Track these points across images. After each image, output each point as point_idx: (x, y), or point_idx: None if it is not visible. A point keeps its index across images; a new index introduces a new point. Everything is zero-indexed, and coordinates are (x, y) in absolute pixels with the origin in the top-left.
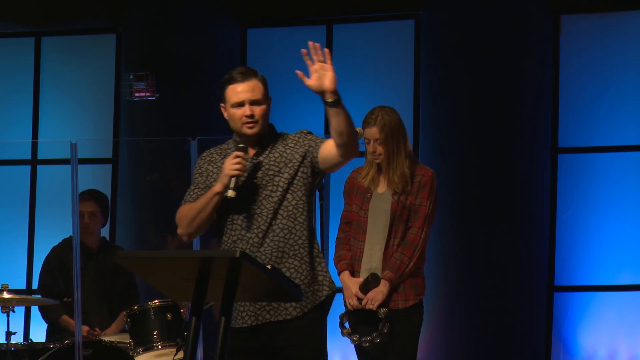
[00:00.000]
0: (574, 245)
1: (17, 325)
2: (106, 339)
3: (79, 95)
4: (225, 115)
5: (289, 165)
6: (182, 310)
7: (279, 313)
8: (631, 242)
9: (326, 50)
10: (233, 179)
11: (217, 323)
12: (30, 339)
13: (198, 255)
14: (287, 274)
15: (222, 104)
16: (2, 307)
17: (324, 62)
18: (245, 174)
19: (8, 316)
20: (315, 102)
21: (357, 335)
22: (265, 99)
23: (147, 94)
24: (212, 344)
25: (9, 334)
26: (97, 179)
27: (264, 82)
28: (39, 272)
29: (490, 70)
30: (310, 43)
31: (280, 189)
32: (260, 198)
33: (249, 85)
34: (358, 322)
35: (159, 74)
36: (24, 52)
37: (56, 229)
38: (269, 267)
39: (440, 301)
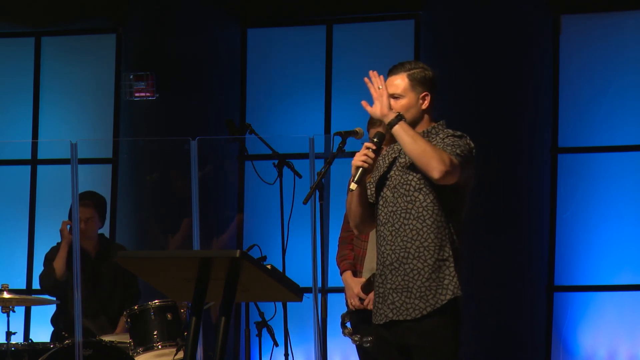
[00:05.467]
0: (574, 245)
1: (17, 325)
2: (106, 339)
3: (79, 95)
4: None
5: None
6: (182, 310)
7: (401, 313)
8: (631, 242)
9: (380, 77)
10: (359, 170)
11: (218, 323)
12: (30, 339)
13: (198, 255)
14: (410, 275)
15: None
16: (2, 307)
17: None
18: (382, 169)
19: (8, 316)
20: (315, 102)
21: (359, 336)
22: (407, 93)
23: (147, 94)
24: (212, 344)
25: (9, 334)
26: (97, 179)
27: (415, 77)
28: (39, 271)
29: (490, 70)
30: (371, 72)
31: (412, 188)
32: (396, 195)
33: (393, 80)
34: (359, 322)
35: (159, 74)
36: (24, 52)
37: (56, 229)
38: (269, 267)
39: None
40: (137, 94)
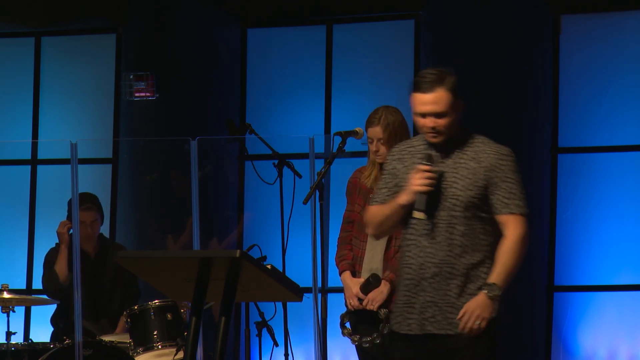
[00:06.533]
0: (574, 245)
1: (17, 325)
2: (106, 339)
3: (79, 95)
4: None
5: (473, 181)
6: (182, 310)
7: (441, 327)
8: (631, 242)
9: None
10: (423, 197)
11: (218, 323)
12: (30, 339)
13: (198, 255)
14: (454, 291)
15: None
16: (2, 307)
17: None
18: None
19: (8, 316)
20: (315, 102)
21: (358, 336)
22: (451, 109)
23: (147, 94)
24: (212, 344)
25: (9, 334)
26: (97, 179)
27: (451, 88)
28: (39, 272)
29: (490, 70)
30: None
31: (460, 203)
32: (440, 208)
33: (434, 98)
34: (358, 322)
35: (159, 74)
36: (24, 52)
37: (56, 229)
38: (269, 267)
39: None
40: (137, 94)
